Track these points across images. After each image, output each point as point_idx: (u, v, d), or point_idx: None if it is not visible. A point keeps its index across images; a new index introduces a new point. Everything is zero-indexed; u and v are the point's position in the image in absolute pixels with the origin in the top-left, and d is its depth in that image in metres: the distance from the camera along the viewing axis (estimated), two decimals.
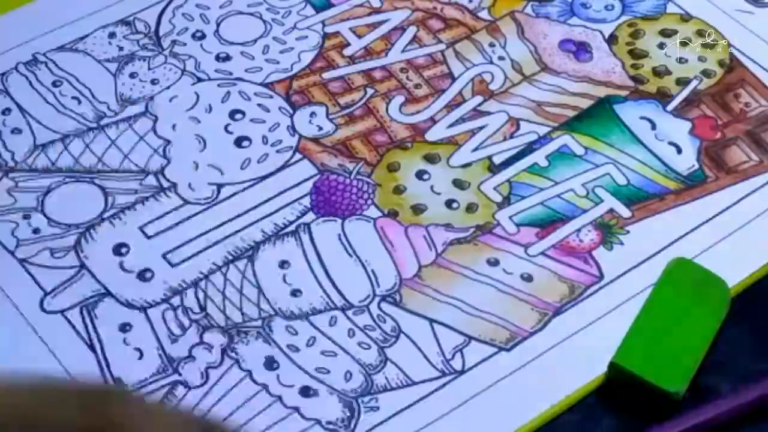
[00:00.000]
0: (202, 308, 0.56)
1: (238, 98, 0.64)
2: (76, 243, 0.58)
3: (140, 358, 0.54)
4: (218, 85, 0.64)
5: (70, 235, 0.58)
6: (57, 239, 0.58)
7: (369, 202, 0.60)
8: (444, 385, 0.54)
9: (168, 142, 0.62)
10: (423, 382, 0.54)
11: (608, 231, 0.59)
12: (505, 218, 0.59)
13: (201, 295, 0.56)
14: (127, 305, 0.56)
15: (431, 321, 0.56)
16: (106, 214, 0.59)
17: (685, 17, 0.67)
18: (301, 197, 0.60)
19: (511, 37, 0.67)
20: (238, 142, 0.62)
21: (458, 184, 0.60)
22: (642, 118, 0.63)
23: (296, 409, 0.53)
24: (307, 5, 0.68)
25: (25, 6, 0.67)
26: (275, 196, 0.60)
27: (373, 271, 0.57)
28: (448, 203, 0.60)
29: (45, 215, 0.58)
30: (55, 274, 0.56)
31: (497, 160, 0.62)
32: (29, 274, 0.56)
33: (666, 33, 0.67)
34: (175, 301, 0.56)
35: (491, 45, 0.66)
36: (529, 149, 0.62)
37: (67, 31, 0.66)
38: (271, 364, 0.54)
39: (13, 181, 0.60)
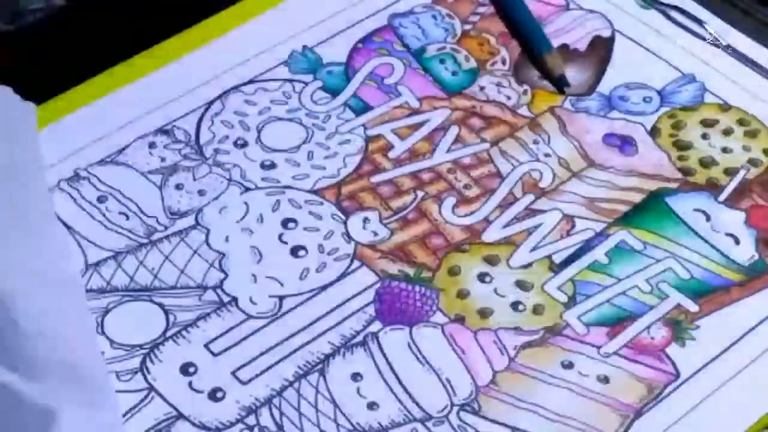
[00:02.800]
0: (279, 427, 0.54)
1: (289, 206, 0.63)
2: (142, 364, 0.56)
3: None
4: (267, 194, 0.63)
5: (135, 357, 0.56)
6: (122, 361, 0.56)
7: (434, 308, 0.59)
8: None
9: (223, 254, 0.60)
10: None
11: (678, 327, 0.58)
12: (573, 318, 0.59)
13: (276, 414, 0.55)
14: (202, 427, 0.54)
15: (513, 429, 0.55)
16: (169, 333, 0.57)
17: (724, 107, 0.68)
18: (365, 306, 0.59)
19: (554, 134, 0.67)
20: (294, 251, 0.61)
21: (521, 285, 0.60)
22: (696, 210, 0.63)
23: None
24: (346, 109, 0.67)
25: (60, 120, 0.66)
26: (339, 306, 0.59)
27: (447, 380, 0.56)
28: (514, 305, 0.59)
29: (107, 337, 0.57)
30: (124, 398, 0.55)
31: (557, 258, 0.61)
32: None
33: (707, 123, 0.67)
34: (250, 420, 0.54)
35: (535, 142, 0.66)
36: (587, 246, 0.61)
37: (106, 143, 0.65)
38: None
39: None
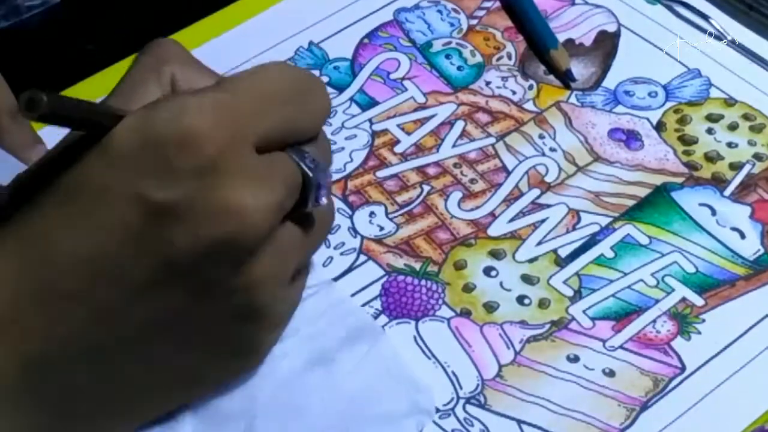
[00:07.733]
0: None
1: None
2: None
3: None
4: None
5: None
6: None
7: (440, 302, 0.59)
8: None
9: None
10: None
11: (684, 320, 0.58)
12: (579, 312, 0.59)
13: None
14: None
15: (519, 422, 0.55)
16: None
17: (730, 101, 0.68)
18: (372, 300, 0.59)
19: (559, 128, 0.67)
20: None
21: (527, 279, 0.60)
22: (701, 204, 0.63)
23: None
24: (352, 104, 0.68)
25: None
26: None
27: (453, 373, 0.56)
28: (520, 299, 0.59)
29: None
30: None
31: (563, 253, 0.61)
32: None
33: (713, 118, 0.67)
34: None
35: (541, 137, 0.66)
36: (593, 241, 0.62)
37: None
38: None
39: None
